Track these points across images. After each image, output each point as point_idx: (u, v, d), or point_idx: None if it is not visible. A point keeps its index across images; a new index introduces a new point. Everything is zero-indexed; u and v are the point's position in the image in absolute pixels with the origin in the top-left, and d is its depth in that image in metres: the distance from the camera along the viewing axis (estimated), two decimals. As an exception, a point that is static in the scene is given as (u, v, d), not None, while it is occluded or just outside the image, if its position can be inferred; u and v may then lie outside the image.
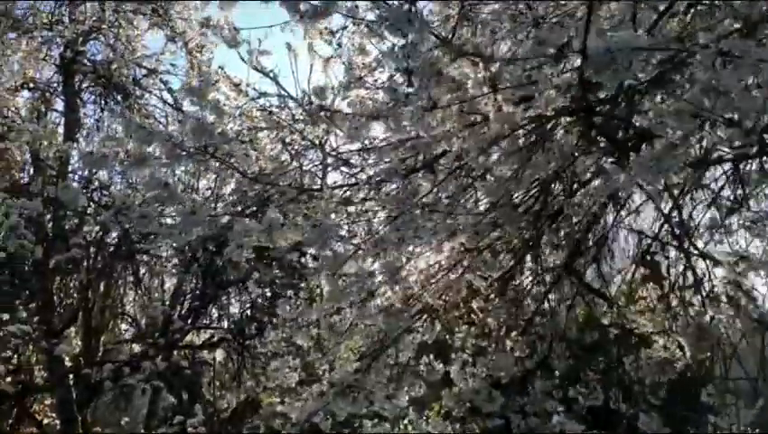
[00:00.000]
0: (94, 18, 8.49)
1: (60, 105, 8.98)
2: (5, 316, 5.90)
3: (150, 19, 8.52)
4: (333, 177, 5.63)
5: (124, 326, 9.65)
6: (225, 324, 8.90)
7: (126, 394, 7.60)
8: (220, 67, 5.50)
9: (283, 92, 5.34)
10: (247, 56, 5.65)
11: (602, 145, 2.84)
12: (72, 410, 7.32)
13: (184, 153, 4.72)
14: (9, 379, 6.83)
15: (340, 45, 4.29)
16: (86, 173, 8.17)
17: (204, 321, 8.73)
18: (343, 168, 4.82)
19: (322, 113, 4.93)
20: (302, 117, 5.26)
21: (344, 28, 4.73)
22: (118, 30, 8.53)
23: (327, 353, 4.20)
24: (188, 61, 9.00)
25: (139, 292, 9.62)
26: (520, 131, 2.91)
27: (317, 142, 5.03)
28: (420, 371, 3.91)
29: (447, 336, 3.94)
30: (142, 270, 9.15)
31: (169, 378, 7.08)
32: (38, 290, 6.57)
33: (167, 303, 8.81)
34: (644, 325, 3.42)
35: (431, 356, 3.97)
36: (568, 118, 2.82)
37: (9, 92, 7.87)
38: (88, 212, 7.19)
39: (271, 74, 5.29)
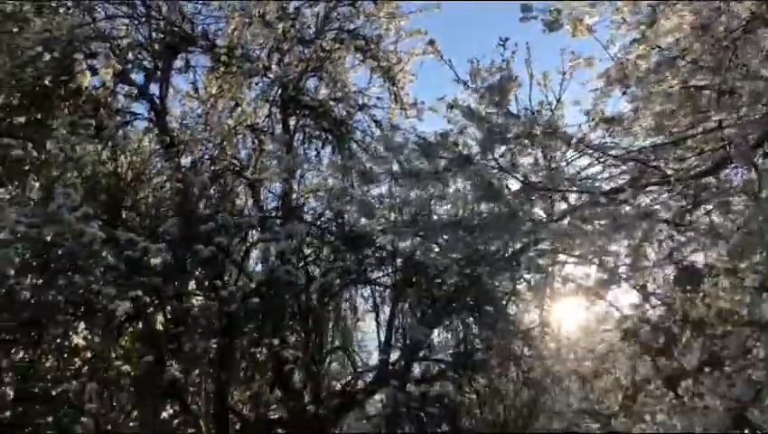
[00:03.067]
0: (308, 59, 8.84)
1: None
2: (275, 342, 6.03)
3: (362, 55, 8.73)
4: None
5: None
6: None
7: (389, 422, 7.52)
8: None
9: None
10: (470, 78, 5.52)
11: None
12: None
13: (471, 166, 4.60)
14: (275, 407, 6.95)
15: (644, 35, 4.00)
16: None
17: (422, 352, 8.52)
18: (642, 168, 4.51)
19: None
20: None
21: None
22: (330, 68, 8.80)
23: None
24: (391, 93, 9.15)
25: (340, 327, 9.64)
26: None
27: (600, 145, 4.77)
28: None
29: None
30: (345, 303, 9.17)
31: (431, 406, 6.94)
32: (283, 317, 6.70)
33: (383, 336, 8.72)
34: None
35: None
36: None
37: (237, 132, 8.33)
38: (330, 240, 7.31)
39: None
